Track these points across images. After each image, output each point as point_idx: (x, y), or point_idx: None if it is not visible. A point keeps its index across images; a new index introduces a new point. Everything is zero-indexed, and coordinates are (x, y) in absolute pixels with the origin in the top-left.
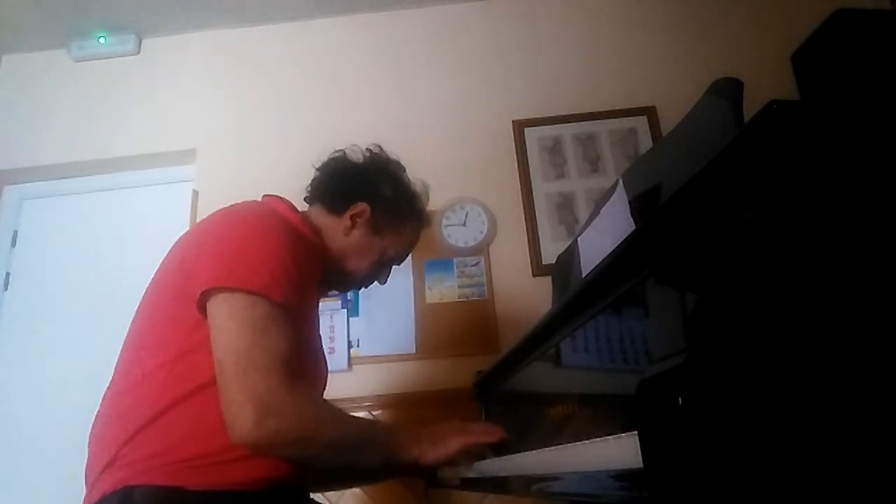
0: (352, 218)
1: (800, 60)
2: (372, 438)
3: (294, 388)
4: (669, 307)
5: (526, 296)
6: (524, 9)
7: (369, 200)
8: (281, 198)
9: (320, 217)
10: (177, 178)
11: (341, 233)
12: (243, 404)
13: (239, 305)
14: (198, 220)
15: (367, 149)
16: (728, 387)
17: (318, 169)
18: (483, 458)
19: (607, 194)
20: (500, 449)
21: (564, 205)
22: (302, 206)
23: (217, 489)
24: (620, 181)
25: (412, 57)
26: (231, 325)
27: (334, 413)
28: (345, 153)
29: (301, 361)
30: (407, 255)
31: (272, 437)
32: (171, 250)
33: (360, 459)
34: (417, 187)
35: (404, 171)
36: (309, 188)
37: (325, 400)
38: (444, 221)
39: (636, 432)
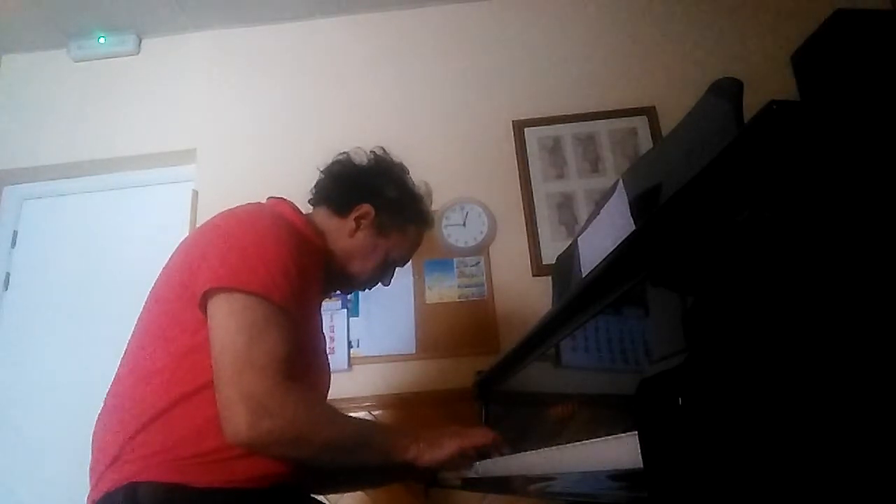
0: (356, 220)
1: (800, 60)
2: (368, 440)
3: (290, 389)
4: (669, 307)
5: (526, 296)
6: (524, 9)
7: (374, 202)
8: (285, 200)
9: (325, 219)
10: (177, 178)
11: (346, 234)
12: (237, 404)
13: (238, 306)
14: (198, 220)
15: (371, 151)
16: (728, 387)
17: (322, 171)
18: (480, 458)
19: (607, 194)
20: (496, 455)
21: (564, 205)
22: (304, 207)
23: (220, 486)
24: (620, 181)
25: (412, 57)
26: (230, 325)
27: (330, 414)
28: (349, 155)
29: (302, 363)
30: (410, 257)
31: (265, 438)
32: (175, 251)
33: (357, 460)
34: (421, 189)
35: (408, 173)
36: (313, 191)
37: (322, 401)
38: (444, 221)
39: (636, 432)
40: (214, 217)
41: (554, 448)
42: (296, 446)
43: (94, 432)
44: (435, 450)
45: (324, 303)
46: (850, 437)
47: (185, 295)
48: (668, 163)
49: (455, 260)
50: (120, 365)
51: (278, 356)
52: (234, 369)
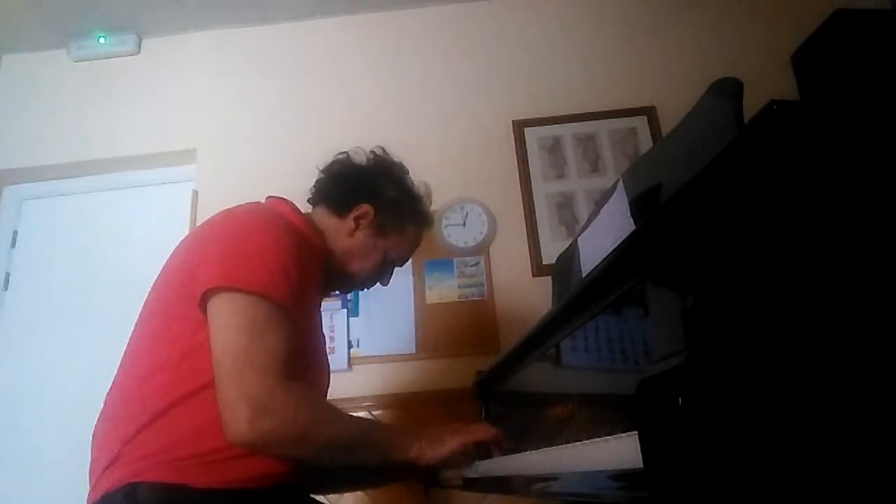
0: (355, 219)
1: (800, 60)
2: (370, 439)
3: (291, 388)
4: (669, 307)
5: (526, 296)
6: (524, 9)
7: (373, 202)
8: (284, 199)
9: (324, 218)
10: (177, 178)
11: (345, 234)
12: (238, 403)
13: (238, 305)
14: (198, 220)
15: (370, 151)
16: (728, 387)
17: (321, 171)
18: (481, 458)
19: (607, 194)
20: (498, 450)
21: (564, 205)
22: (304, 207)
23: (220, 486)
24: (620, 181)
25: (412, 57)
26: (230, 324)
27: (332, 413)
28: (348, 155)
29: (302, 362)
30: (409, 257)
31: (267, 437)
32: (174, 251)
33: (358, 459)
34: (420, 189)
35: (407, 173)
36: (312, 190)
37: (323, 400)
38: (444, 221)
39: (636, 432)
40: (213, 217)
41: (554, 448)
42: (297, 446)
43: (94, 432)
44: (437, 448)
45: (324, 303)
46: (850, 437)
47: (184, 295)
48: (668, 163)
49: (455, 260)
50: (120, 365)
51: (279, 355)
52: (235, 369)
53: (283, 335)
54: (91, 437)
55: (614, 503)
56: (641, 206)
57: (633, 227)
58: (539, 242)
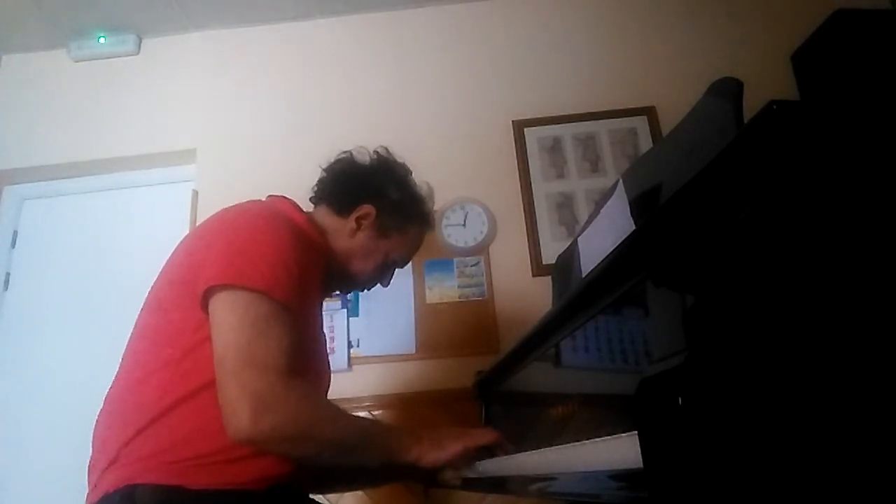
0: (357, 220)
1: (800, 60)
2: (371, 438)
3: (293, 385)
4: (669, 307)
5: (526, 296)
6: (524, 9)
7: (375, 203)
8: (285, 197)
9: (326, 218)
10: (177, 178)
11: (346, 234)
12: (240, 400)
13: (240, 302)
14: (198, 220)
15: (374, 151)
16: (728, 387)
17: (324, 170)
18: (481, 459)
19: (607, 194)
20: (500, 454)
21: (564, 205)
22: (305, 207)
23: (218, 488)
24: (620, 181)
25: (412, 57)
26: (231, 321)
27: (333, 411)
28: (351, 154)
29: (303, 360)
30: (411, 258)
31: (269, 434)
32: (174, 251)
33: (359, 459)
34: (423, 190)
35: (411, 173)
36: (315, 189)
37: (325, 398)
38: (444, 221)
39: (636, 432)
40: (213, 215)
41: (554, 448)
42: (298, 443)
43: (94, 433)
44: (438, 451)
45: (324, 303)
46: (850, 437)
47: (186, 294)
48: (668, 163)
49: (455, 260)
50: (120, 365)
51: (281, 352)
52: (237, 366)
53: (285, 332)
54: (91, 438)
55: (614, 503)
56: (641, 206)
57: (633, 227)
58: (539, 242)
